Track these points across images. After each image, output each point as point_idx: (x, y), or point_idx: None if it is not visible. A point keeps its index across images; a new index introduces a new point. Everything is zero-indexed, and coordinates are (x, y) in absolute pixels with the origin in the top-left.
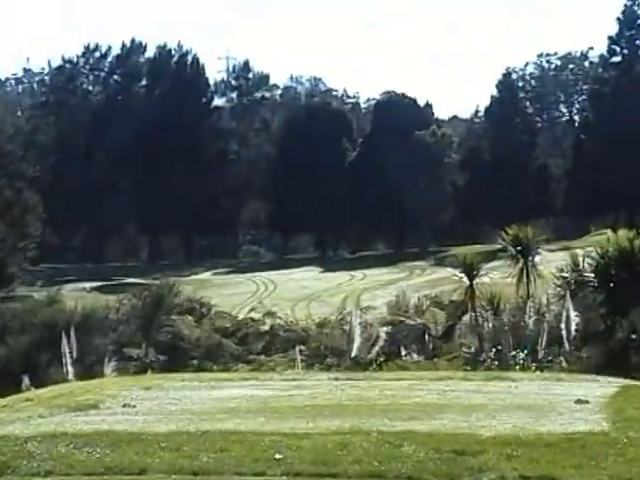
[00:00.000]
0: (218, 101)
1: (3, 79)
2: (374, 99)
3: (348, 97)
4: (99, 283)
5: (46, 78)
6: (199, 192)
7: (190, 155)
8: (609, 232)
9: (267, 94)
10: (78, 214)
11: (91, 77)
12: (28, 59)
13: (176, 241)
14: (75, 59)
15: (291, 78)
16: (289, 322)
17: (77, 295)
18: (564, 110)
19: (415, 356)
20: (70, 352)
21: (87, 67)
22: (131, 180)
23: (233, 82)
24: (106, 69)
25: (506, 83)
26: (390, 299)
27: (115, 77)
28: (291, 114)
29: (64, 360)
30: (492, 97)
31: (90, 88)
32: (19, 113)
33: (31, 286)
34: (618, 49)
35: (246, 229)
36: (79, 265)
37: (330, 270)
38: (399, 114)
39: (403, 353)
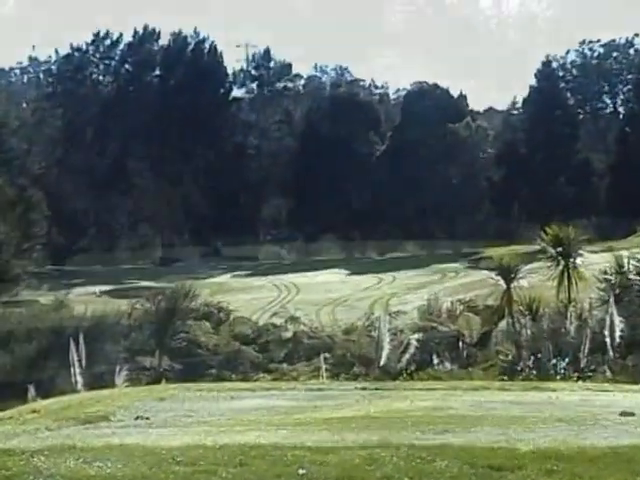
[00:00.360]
0: (237, 92)
1: (7, 69)
2: (404, 89)
3: (376, 87)
4: (109, 286)
5: (53, 67)
6: (216, 188)
7: (207, 149)
8: None
9: (289, 84)
10: (86, 212)
11: (101, 66)
12: (34, 47)
13: (192, 241)
14: (84, 47)
15: (315, 67)
16: (313, 328)
17: (86, 299)
18: (608, 101)
19: (448, 365)
20: (79, 360)
21: (97, 56)
22: (144, 176)
23: (253, 71)
24: (117, 58)
25: (546, 72)
26: (421, 304)
27: (127, 66)
28: (315, 105)
29: (72, 369)
30: (531, 87)
31: (100, 78)
32: (24, 105)
33: (37, 290)
34: None
35: (267, 228)
36: (88, 267)
37: (357, 272)
38: (431, 105)
39: (435, 362)
